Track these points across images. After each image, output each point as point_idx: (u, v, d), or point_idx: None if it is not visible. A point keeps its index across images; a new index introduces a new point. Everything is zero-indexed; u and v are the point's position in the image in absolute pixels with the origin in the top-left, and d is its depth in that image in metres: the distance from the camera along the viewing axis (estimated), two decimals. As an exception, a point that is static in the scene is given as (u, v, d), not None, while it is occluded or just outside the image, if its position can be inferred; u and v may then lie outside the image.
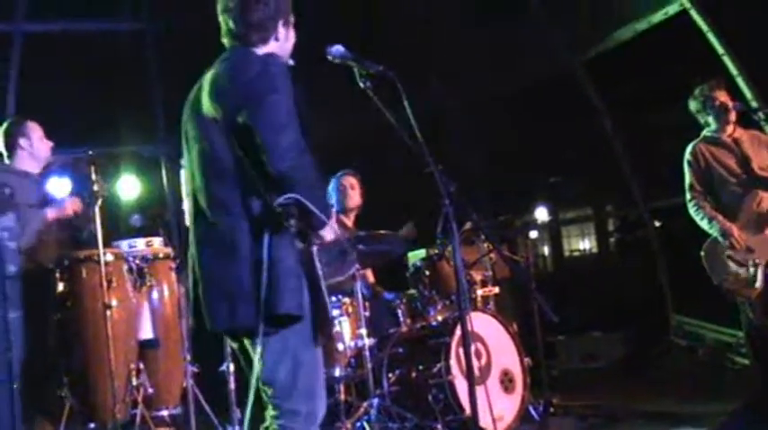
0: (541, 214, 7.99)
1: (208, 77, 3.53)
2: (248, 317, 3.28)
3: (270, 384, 3.39)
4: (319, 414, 3.47)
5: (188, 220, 3.65)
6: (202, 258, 3.43)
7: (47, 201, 6.01)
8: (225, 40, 3.65)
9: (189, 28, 9.38)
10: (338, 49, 3.66)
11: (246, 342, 3.50)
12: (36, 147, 6.05)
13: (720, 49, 7.84)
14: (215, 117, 3.41)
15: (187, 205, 3.65)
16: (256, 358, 3.30)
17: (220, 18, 3.64)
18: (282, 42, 3.63)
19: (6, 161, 6.08)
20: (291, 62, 3.66)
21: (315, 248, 3.49)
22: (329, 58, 3.67)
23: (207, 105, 3.45)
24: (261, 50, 3.56)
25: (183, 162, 4.21)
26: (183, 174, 4.13)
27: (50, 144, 6.15)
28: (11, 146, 6.07)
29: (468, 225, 6.18)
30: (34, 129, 6.08)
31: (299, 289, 3.33)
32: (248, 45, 3.56)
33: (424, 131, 3.56)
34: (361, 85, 3.65)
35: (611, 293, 9.98)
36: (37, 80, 9.12)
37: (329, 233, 3.45)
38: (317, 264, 3.48)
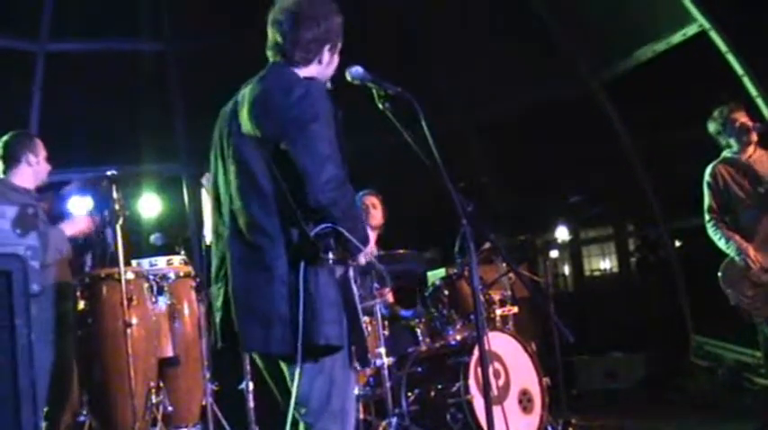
0: (562, 234, 7.96)
1: (247, 94, 3.52)
2: (284, 342, 3.29)
3: (303, 403, 3.39)
4: None
5: (209, 238, 3.65)
6: (237, 279, 3.42)
7: (62, 218, 6.01)
8: (269, 53, 3.65)
9: (211, 48, 9.52)
10: (357, 70, 3.64)
11: (282, 364, 3.50)
12: (42, 165, 5.94)
13: (740, 70, 7.84)
14: (255, 137, 3.41)
15: (210, 222, 3.66)
16: (294, 384, 3.32)
17: (269, 29, 3.64)
18: (324, 67, 3.65)
19: (5, 175, 5.90)
20: (329, 85, 3.68)
21: (351, 272, 3.53)
22: (348, 78, 3.65)
23: (246, 124, 3.44)
24: (302, 71, 3.57)
25: (205, 181, 4.19)
26: (204, 193, 4.09)
27: (49, 167, 6.04)
28: (14, 158, 5.87)
29: (486, 245, 6.18)
30: (42, 148, 5.97)
31: (338, 319, 3.35)
32: (291, 63, 3.57)
33: (442, 152, 3.54)
34: (380, 106, 3.63)
35: (631, 313, 9.92)
36: (59, 99, 9.18)
37: (363, 257, 3.49)
38: (354, 288, 3.52)
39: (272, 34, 3.61)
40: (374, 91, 3.63)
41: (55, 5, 9.23)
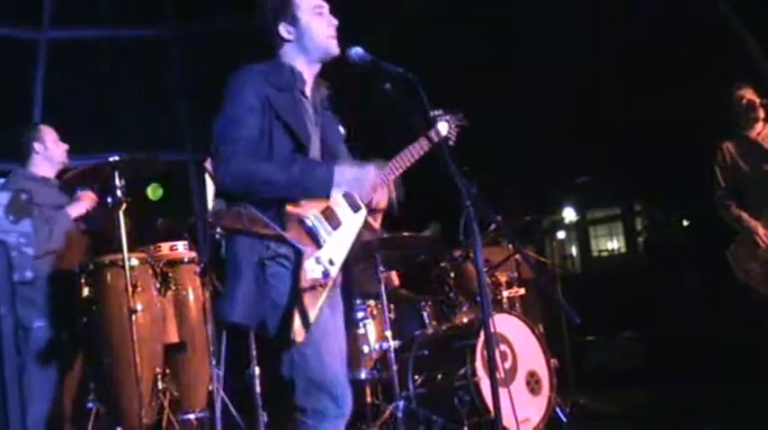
0: (569, 214, 7.91)
1: None
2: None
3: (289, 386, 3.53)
4: (330, 410, 3.51)
5: None
6: None
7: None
8: None
9: (213, 31, 9.47)
10: (357, 51, 3.66)
11: None
12: (51, 150, 6.06)
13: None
14: None
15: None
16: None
17: None
18: (298, 40, 3.77)
19: (24, 168, 6.09)
20: (335, 51, 3.76)
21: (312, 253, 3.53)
22: (349, 60, 3.67)
23: None
24: (285, 56, 3.78)
25: (208, 165, 4.29)
26: (208, 178, 4.14)
27: (65, 147, 6.16)
28: (26, 151, 6.07)
29: (492, 226, 6.16)
30: (48, 133, 6.09)
31: (242, 297, 3.49)
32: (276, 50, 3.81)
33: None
34: (383, 87, 3.64)
35: (639, 293, 9.89)
36: (62, 87, 9.17)
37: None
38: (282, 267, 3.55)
39: None
40: (376, 71, 3.63)
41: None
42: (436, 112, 4.14)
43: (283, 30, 3.75)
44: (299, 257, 3.48)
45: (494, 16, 9.24)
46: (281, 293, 3.48)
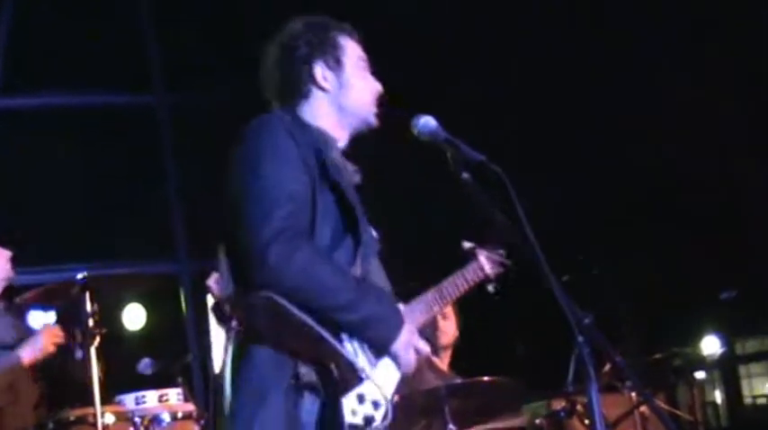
0: (711, 346, 7.76)
1: None
2: None
3: None
4: None
5: (219, 363, 3.58)
6: None
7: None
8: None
9: (209, 106, 9.73)
10: (428, 123, 3.63)
11: None
12: None
13: None
14: None
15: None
16: None
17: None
18: (336, 93, 3.73)
19: None
20: (374, 123, 3.80)
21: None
22: (414, 132, 3.64)
23: None
24: (309, 113, 3.70)
25: (213, 282, 4.24)
26: (211, 300, 4.16)
27: (8, 254, 6.15)
28: None
29: (607, 367, 5.83)
30: None
31: None
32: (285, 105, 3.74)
33: (541, 238, 3.40)
34: (457, 174, 3.58)
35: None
36: (13, 169, 9.30)
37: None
38: None
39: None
40: (448, 154, 3.60)
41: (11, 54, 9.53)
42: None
43: (320, 72, 3.71)
44: (334, 389, 3.34)
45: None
46: None
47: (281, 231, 3.28)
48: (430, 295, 4.08)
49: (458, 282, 4.06)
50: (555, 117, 9.93)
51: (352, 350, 3.43)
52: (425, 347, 3.71)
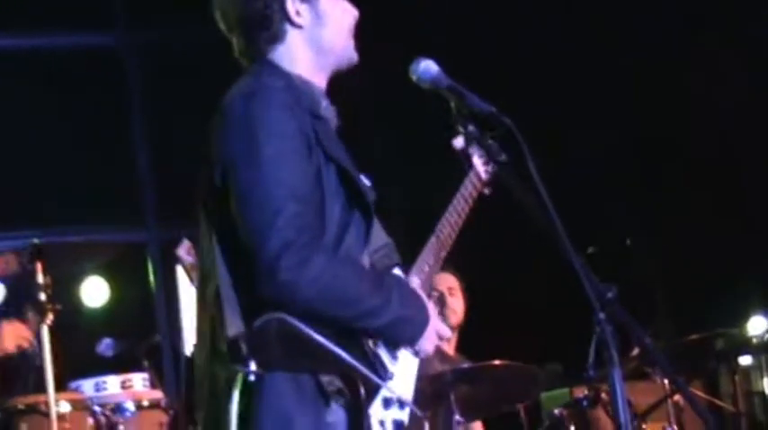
0: (758, 327, 7.64)
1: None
2: None
3: None
4: None
5: (190, 344, 3.77)
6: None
7: None
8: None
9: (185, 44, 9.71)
10: (429, 68, 3.46)
11: None
12: None
13: None
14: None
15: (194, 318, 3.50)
16: None
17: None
18: (312, 28, 3.48)
19: None
20: (355, 58, 3.61)
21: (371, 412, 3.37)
22: (413, 78, 3.48)
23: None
24: (283, 58, 3.48)
25: (183, 252, 4.41)
26: (182, 272, 4.36)
27: None
28: None
29: (636, 351, 6.00)
30: None
31: None
32: (260, 57, 3.51)
33: (562, 207, 3.25)
34: (460, 128, 3.48)
35: None
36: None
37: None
38: None
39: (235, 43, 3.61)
40: (452, 104, 3.47)
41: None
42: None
43: (291, 5, 3.44)
44: (358, 400, 3.31)
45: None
46: None
47: (290, 242, 3.14)
48: (433, 239, 3.93)
49: (458, 207, 3.97)
50: (588, 73, 9.84)
51: (373, 348, 3.41)
52: (447, 332, 3.81)
